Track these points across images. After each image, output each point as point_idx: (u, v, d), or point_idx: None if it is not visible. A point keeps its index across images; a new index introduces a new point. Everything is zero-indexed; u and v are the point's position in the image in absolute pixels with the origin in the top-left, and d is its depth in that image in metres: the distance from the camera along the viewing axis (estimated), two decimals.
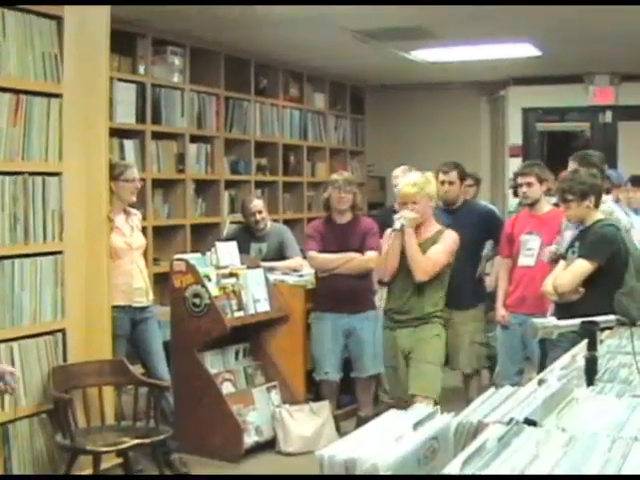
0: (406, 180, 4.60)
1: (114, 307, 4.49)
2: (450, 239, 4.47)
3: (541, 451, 1.50)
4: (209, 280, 4.99)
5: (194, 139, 6.90)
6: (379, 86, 9.30)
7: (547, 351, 4.31)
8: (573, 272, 4.04)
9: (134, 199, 4.76)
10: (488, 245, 5.68)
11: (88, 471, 4.02)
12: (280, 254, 5.76)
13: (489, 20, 5.83)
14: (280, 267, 5.65)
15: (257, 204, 5.78)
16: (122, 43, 5.85)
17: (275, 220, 6.64)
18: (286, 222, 7.21)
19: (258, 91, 7.69)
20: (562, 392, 1.95)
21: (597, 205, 4.16)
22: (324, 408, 5.19)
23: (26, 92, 3.97)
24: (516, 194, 5.57)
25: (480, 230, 5.41)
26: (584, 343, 2.52)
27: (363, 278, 5.16)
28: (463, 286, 5.15)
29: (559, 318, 3.16)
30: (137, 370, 4.56)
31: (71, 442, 3.87)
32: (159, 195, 6.69)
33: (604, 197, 4.51)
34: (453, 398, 5.15)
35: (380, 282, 4.83)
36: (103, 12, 4.37)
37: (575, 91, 8.40)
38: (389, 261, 4.41)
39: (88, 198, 4.33)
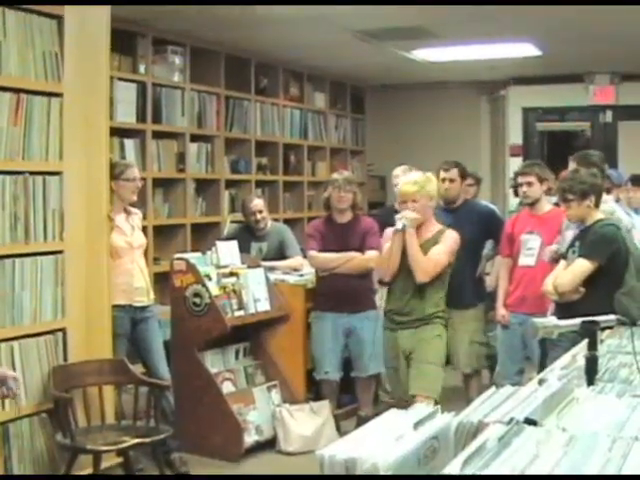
0: (406, 179, 4.60)
1: (114, 306, 4.49)
2: (451, 239, 4.47)
3: (541, 451, 1.50)
4: (209, 279, 5.00)
5: (194, 138, 6.90)
6: (379, 86, 9.29)
7: (547, 351, 4.31)
8: (573, 272, 4.04)
9: (135, 198, 4.76)
10: (488, 245, 5.68)
11: (88, 470, 4.02)
12: (280, 253, 5.76)
13: (489, 20, 5.83)
14: (280, 266, 5.65)
15: (257, 203, 5.78)
16: (122, 42, 5.85)
17: (275, 219, 6.64)
18: (286, 221, 7.22)
19: (258, 90, 7.69)
20: (562, 392, 1.95)
21: (597, 205, 4.16)
22: (324, 407, 5.19)
23: (26, 91, 3.96)
24: (516, 194, 5.56)
25: (480, 230, 5.41)
26: (584, 343, 2.52)
27: (363, 278, 5.16)
28: (463, 286, 5.15)
29: (559, 318, 3.16)
30: (137, 369, 4.56)
31: (71, 441, 3.87)
32: (159, 194, 6.69)
33: (605, 197, 4.52)
34: (453, 398, 5.14)
35: (380, 282, 4.83)
36: (103, 11, 4.37)
37: (575, 91, 8.40)
38: (390, 261, 4.41)
39: (89, 197, 4.33)
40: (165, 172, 6.60)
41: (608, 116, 8.52)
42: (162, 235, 6.53)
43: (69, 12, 4.14)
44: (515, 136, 8.80)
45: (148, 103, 6.34)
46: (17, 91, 3.91)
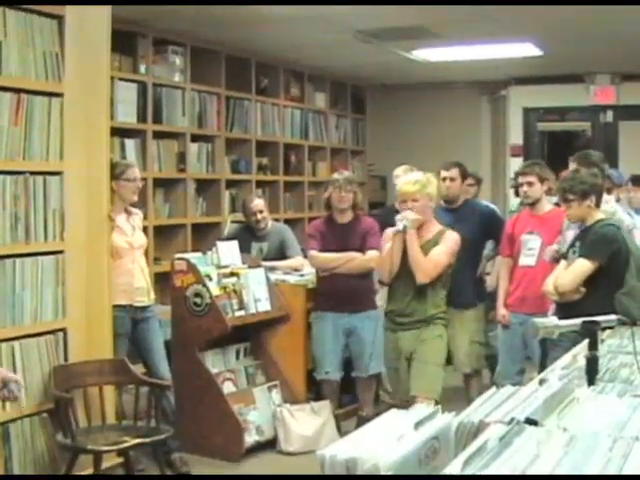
0: (406, 178, 4.60)
1: (115, 306, 4.49)
2: (451, 240, 4.46)
3: (542, 451, 1.50)
4: (210, 279, 4.99)
5: (195, 138, 6.90)
6: (380, 85, 9.30)
7: (548, 351, 4.31)
8: (574, 272, 4.04)
9: (135, 198, 4.76)
10: (489, 245, 5.69)
11: (89, 471, 4.02)
12: (281, 253, 5.76)
13: (490, 20, 5.83)
14: (281, 266, 5.65)
15: (258, 203, 5.78)
16: (123, 42, 5.86)
17: (276, 219, 6.64)
18: (287, 221, 7.22)
19: (259, 90, 7.69)
20: (563, 392, 1.95)
21: (598, 205, 4.16)
22: (325, 408, 5.19)
23: (27, 91, 3.96)
24: (517, 194, 5.56)
25: (481, 230, 5.41)
26: (585, 343, 2.52)
27: (364, 277, 5.16)
28: (464, 285, 5.15)
29: (560, 318, 3.16)
30: (138, 369, 4.56)
31: (72, 441, 3.87)
32: (160, 194, 6.70)
33: (607, 197, 4.52)
34: (454, 398, 5.14)
35: (381, 282, 4.83)
36: (104, 12, 4.37)
37: (576, 91, 8.40)
38: (390, 263, 4.40)
39: (89, 197, 4.33)
40: (166, 172, 6.61)
41: (609, 116, 8.52)
42: (163, 235, 6.54)
43: (70, 12, 4.14)
44: (516, 136, 8.81)
45: (149, 103, 6.35)
46: (18, 91, 3.91)
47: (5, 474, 3.85)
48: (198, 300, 4.91)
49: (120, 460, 4.21)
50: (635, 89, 8.18)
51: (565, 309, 3.89)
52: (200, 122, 6.95)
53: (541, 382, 2.08)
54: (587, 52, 7.13)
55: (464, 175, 5.54)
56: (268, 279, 5.35)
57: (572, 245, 4.20)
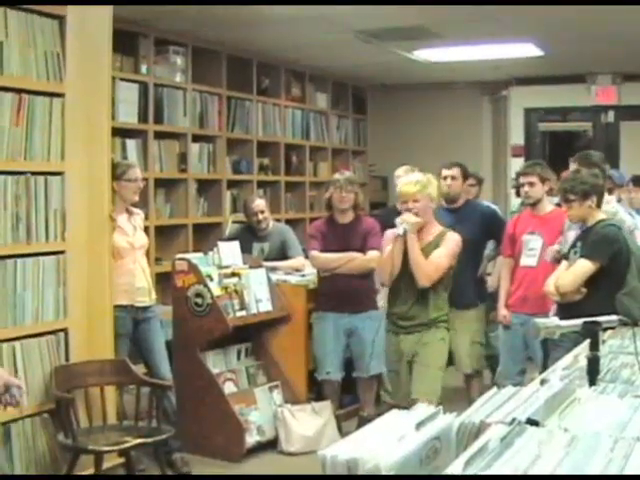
0: (407, 179, 4.59)
1: (116, 307, 4.49)
2: (452, 241, 4.44)
3: (543, 451, 1.50)
4: (211, 280, 4.99)
5: (196, 139, 6.90)
6: (381, 86, 9.30)
7: (549, 351, 4.31)
8: (575, 272, 4.04)
9: (137, 199, 4.76)
10: (490, 245, 5.68)
11: (90, 471, 4.02)
12: (282, 254, 5.76)
13: (491, 20, 5.83)
14: (282, 267, 5.65)
15: (259, 204, 5.78)
16: (124, 43, 5.86)
17: (277, 220, 6.64)
18: (288, 222, 7.22)
19: (260, 91, 7.69)
20: (564, 392, 1.95)
21: (599, 205, 4.16)
22: (326, 408, 5.19)
23: (28, 91, 3.97)
24: (518, 194, 5.55)
25: (482, 230, 5.41)
26: (586, 343, 2.52)
27: (365, 278, 5.16)
28: (465, 286, 5.14)
29: (561, 318, 3.17)
30: (139, 370, 4.56)
31: (73, 442, 3.87)
32: (161, 195, 6.70)
33: (608, 198, 4.51)
34: (455, 398, 5.14)
35: (383, 283, 4.83)
36: (105, 12, 4.37)
37: (577, 91, 8.39)
38: (391, 266, 4.39)
39: (90, 198, 4.33)
40: (167, 172, 6.61)
41: (610, 116, 8.52)
42: (164, 235, 6.54)
43: (71, 12, 4.14)
44: (517, 136, 8.80)
45: (150, 103, 6.35)
46: (19, 91, 3.92)
47: (6, 474, 3.85)
48: (199, 300, 4.91)
49: (121, 460, 4.21)
50: (636, 89, 8.18)
51: (566, 309, 3.88)
52: (201, 122, 6.95)
53: (542, 382, 2.08)
54: (588, 52, 7.13)
55: (465, 175, 5.54)
56: (269, 279, 5.34)
57: (573, 245, 4.19)
